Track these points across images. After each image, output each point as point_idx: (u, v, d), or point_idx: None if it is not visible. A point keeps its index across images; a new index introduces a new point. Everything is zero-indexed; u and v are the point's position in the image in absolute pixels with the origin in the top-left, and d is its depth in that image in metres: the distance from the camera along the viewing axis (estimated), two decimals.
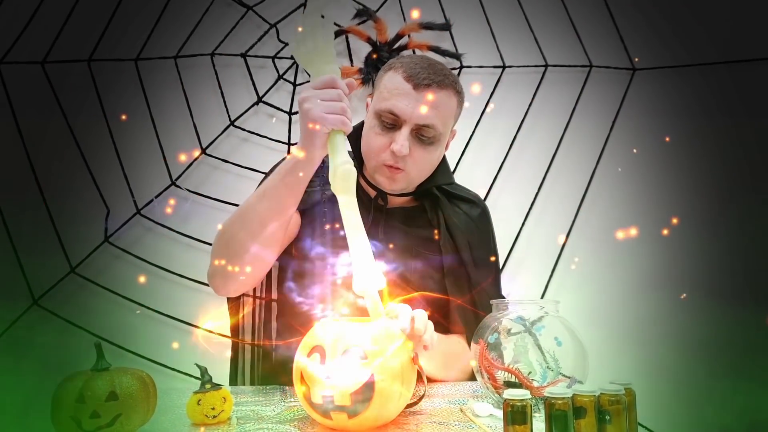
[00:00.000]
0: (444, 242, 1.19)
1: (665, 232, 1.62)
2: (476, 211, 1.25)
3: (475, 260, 1.21)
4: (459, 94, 1.14)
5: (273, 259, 1.10)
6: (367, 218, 1.15)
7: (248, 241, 1.01)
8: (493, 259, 1.29)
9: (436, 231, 1.20)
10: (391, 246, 1.15)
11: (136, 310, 1.64)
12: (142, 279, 1.64)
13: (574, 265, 1.59)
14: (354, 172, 0.88)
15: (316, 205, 1.14)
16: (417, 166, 1.12)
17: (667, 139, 1.64)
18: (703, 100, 1.65)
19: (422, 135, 1.09)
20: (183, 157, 1.71)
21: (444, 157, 1.23)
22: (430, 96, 1.08)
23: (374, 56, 1.70)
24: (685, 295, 1.55)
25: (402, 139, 1.07)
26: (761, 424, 1.45)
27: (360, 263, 0.84)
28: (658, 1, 1.66)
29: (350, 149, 1.18)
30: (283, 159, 1.18)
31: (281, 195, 0.99)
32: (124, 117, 1.67)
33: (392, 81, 1.09)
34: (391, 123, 1.09)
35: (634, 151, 1.65)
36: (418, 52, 1.72)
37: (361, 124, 1.17)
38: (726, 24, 1.63)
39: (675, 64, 1.64)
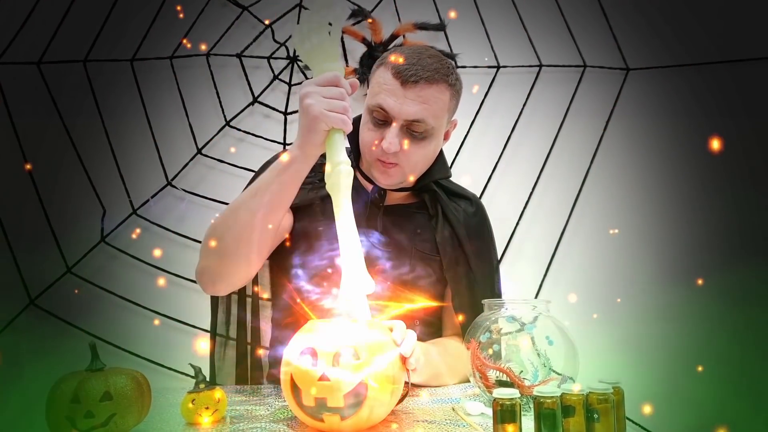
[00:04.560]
0: (444, 237, 1.18)
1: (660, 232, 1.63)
2: (473, 208, 1.26)
3: (476, 253, 1.20)
4: (452, 86, 1.11)
5: (263, 258, 1.09)
6: (364, 215, 1.15)
7: (239, 239, 0.98)
8: (491, 254, 1.29)
9: (435, 225, 1.19)
10: (388, 243, 1.14)
11: (132, 309, 1.65)
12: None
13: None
14: (351, 172, 0.87)
15: (310, 203, 1.14)
16: (410, 160, 1.11)
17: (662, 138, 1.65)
18: (699, 99, 1.65)
19: (413, 130, 1.08)
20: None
21: (441, 151, 1.21)
22: (418, 92, 1.05)
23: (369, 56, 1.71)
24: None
25: (391, 137, 1.06)
26: (756, 422, 1.46)
27: (350, 266, 0.83)
28: (653, 1, 1.67)
29: (348, 146, 1.18)
30: (274, 156, 1.16)
31: (275, 192, 0.96)
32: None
33: (382, 77, 1.08)
34: (381, 119, 1.08)
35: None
36: None
37: (359, 118, 1.16)
38: (721, 23, 1.64)
39: (669, 63, 1.65)
